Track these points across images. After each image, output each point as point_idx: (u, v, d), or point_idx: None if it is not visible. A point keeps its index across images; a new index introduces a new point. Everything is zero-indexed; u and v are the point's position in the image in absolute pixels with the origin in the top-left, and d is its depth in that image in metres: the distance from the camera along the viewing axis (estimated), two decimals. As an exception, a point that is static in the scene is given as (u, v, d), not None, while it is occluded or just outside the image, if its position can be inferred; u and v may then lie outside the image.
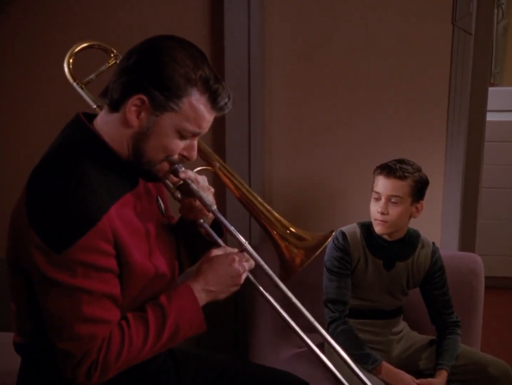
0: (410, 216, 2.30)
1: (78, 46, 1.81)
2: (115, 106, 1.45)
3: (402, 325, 2.46)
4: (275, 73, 2.72)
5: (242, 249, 1.58)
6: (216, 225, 1.68)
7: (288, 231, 1.61)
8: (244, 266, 1.54)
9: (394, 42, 2.65)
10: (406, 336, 2.45)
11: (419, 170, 2.27)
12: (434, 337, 2.41)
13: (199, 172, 1.65)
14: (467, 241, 2.91)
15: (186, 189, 1.60)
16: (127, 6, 2.74)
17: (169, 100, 1.41)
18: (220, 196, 2.02)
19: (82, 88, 1.79)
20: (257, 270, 1.58)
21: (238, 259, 1.53)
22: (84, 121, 1.48)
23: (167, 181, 1.65)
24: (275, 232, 1.62)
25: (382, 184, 2.25)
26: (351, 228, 2.37)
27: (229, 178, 1.69)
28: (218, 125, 2.40)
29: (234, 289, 1.56)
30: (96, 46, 1.84)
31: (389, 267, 2.33)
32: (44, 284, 1.38)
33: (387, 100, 2.70)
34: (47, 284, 1.38)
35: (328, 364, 1.64)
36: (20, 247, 1.42)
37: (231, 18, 2.60)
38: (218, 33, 2.65)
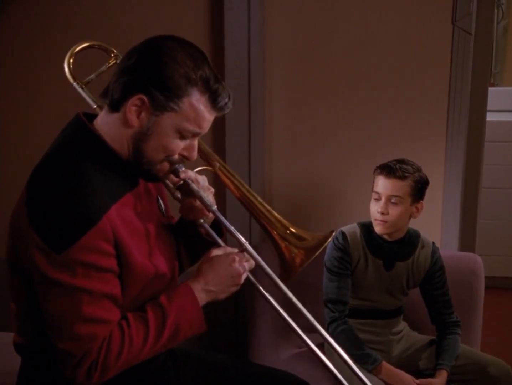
0: (410, 216, 2.30)
1: (78, 46, 1.81)
2: (115, 106, 1.45)
3: (402, 325, 2.46)
4: (275, 73, 2.73)
5: (242, 249, 1.58)
6: (216, 225, 1.68)
7: (288, 231, 1.61)
8: (244, 266, 1.54)
9: (394, 42, 2.65)
10: (406, 336, 2.45)
11: (419, 170, 2.27)
12: (434, 337, 2.41)
13: (199, 172, 1.65)
14: (467, 241, 2.91)
15: (186, 189, 1.60)
16: (127, 6, 2.74)
17: (169, 100, 1.41)
18: (220, 196, 2.02)
19: (82, 88, 1.79)
20: (257, 270, 1.58)
21: (238, 259, 1.53)
22: (84, 121, 1.48)
23: (167, 181, 1.65)
24: (275, 232, 1.62)
25: (382, 184, 2.25)
26: (351, 228, 2.37)
27: (229, 178, 1.69)
28: (218, 125, 2.40)
29: (234, 289, 1.56)
30: (96, 46, 1.84)
31: (389, 267, 2.33)
32: (44, 284, 1.38)
33: (387, 100, 2.70)
34: (47, 284, 1.38)
35: (328, 364, 1.64)
36: (20, 247, 1.42)
37: (231, 18, 2.60)
38: (218, 33, 2.65)
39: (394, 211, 2.24)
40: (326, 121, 2.76)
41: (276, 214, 1.64)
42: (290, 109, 2.76)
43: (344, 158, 2.77)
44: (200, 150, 1.63)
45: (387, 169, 2.24)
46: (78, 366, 1.40)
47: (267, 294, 1.61)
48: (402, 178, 2.22)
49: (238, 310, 2.86)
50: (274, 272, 1.59)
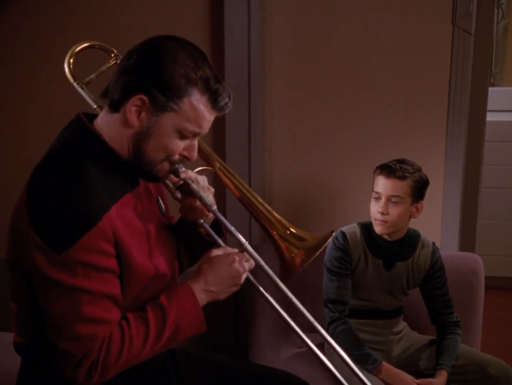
0: (410, 216, 2.30)
1: (78, 46, 1.81)
2: (115, 106, 1.45)
3: (402, 325, 2.46)
4: (275, 73, 2.73)
5: (242, 249, 1.58)
6: (216, 225, 1.68)
7: (288, 232, 1.61)
8: (244, 266, 1.54)
9: (394, 42, 2.65)
10: (406, 336, 2.45)
11: (419, 170, 2.27)
12: (434, 337, 2.41)
13: (199, 172, 1.65)
14: (467, 241, 2.91)
15: (186, 189, 1.60)
16: (127, 6, 2.74)
17: (169, 100, 1.41)
18: (220, 196, 2.02)
19: (82, 88, 1.79)
20: (257, 270, 1.58)
21: (238, 259, 1.53)
22: (84, 121, 1.48)
23: (168, 181, 1.65)
24: (275, 233, 1.62)
25: (382, 184, 2.25)
26: (351, 228, 2.37)
27: (229, 178, 1.69)
28: (218, 125, 2.40)
29: (234, 289, 1.56)
30: (96, 46, 1.84)
31: (389, 267, 2.33)
32: (44, 284, 1.38)
33: (387, 100, 2.70)
34: (48, 284, 1.38)
35: (328, 364, 1.64)
36: (20, 247, 1.42)
37: (231, 18, 2.60)
38: (218, 33, 2.65)
39: (394, 211, 2.24)
40: (326, 121, 2.76)
41: (276, 214, 1.64)
42: (290, 109, 2.76)
43: (344, 158, 2.77)
44: (200, 150, 1.63)
45: (387, 169, 2.24)
46: (78, 366, 1.40)
47: (267, 294, 1.61)
48: (402, 178, 2.22)
49: (238, 310, 2.86)
50: (274, 272, 1.59)
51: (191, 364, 1.79)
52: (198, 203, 1.61)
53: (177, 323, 1.48)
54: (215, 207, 1.59)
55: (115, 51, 1.83)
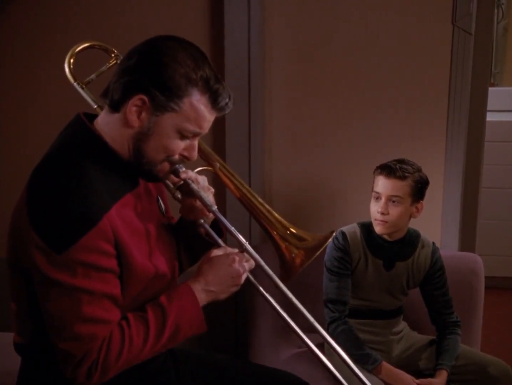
0: (410, 216, 2.30)
1: (79, 46, 1.81)
2: (115, 106, 1.45)
3: (402, 325, 2.46)
4: (275, 73, 2.72)
5: (242, 249, 1.58)
6: (216, 225, 1.68)
7: (288, 232, 1.61)
8: (244, 267, 1.54)
9: (394, 42, 2.65)
10: (406, 336, 2.45)
11: (419, 170, 2.27)
12: (434, 337, 2.41)
13: (199, 172, 1.65)
14: (467, 241, 2.91)
15: (186, 189, 1.60)
16: (127, 6, 2.74)
17: (169, 100, 1.41)
18: (220, 196, 2.02)
19: (82, 88, 1.79)
20: (257, 270, 1.58)
21: (238, 260, 1.53)
22: (84, 121, 1.48)
23: (168, 182, 1.65)
24: (275, 233, 1.62)
25: (382, 184, 2.25)
26: (351, 228, 2.37)
27: (229, 179, 1.69)
28: (218, 125, 2.40)
29: (234, 289, 1.56)
30: (96, 46, 1.84)
31: (389, 267, 2.33)
32: (44, 284, 1.38)
33: (387, 100, 2.70)
34: (48, 284, 1.38)
35: (328, 364, 1.64)
36: (20, 247, 1.42)
37: (231, 18, 2.60)
38: (218, 33, 2.65)
39: (394, 211, 2.24)
40: (326, 121, 2.76)
41: (277, 215, 1.64)
42: (290, 109, 2.76)
43: (344, 158, 2.77)
44: (200, 150, 1.63)
45: (387, 169, 2.24)
46: (78, 366, 1.40)
47: (267, 294, 1.61)
48: (402, 178, 2.22)
49: (238, 310, 2.86)
50: (274, 272, 1.59)
51: (191, 364, 1.79)
52: (198, 203, 1.61)
53: (177, 323, 1.48)
54: (215, 207, 1.59)
55: (115, 51, 1.83)
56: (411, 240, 2.35)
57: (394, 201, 2.23)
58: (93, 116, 1.53)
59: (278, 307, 1.61)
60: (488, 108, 3.00)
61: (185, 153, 1.50)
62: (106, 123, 1.48)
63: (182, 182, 1.60)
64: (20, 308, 1.53)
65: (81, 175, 1.40)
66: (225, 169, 1.70)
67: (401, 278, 2.35)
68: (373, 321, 2.38)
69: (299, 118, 2.77)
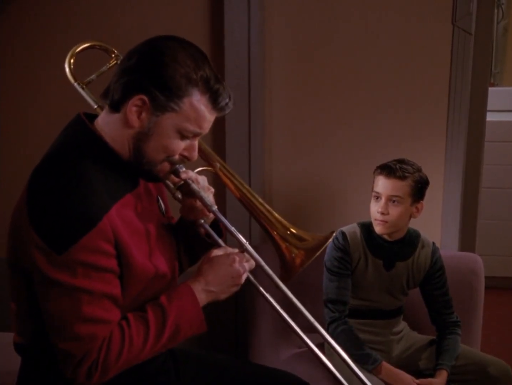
0: (410, 216, 2.30)
1: (79, 47, 1.81)
2: (116, 106, 1.45)
3: (402, 325, 2.46)
4: (275, 73, 2.73)
5: (243, 249, 1.58)
6: (216, 225, 1.68)
7: (288, 232, 1.61)
8: (244, 267, 1.54)
9: (394, 42, 2.65)
10: (406, 336, 2.45)
11: (419, 170, 2.27)
12: (434, 337, 2.41)
13: (199, 173, 1.65)
14: (467, 241, 2.91)
15: (187, 190, 1.60)
16: (127, 6, 2.74)
17: (170, 100, 1.41)
18: (220, 196, 2.02)
19: (83, 89, 1.79)
20: (257, 270, 1.58)
21: (238, 260, 1.53)
22: (85, 121, 1.48)
23: (168, 182, 1.65)
24: (275, 233, 1.62)
25: (382, 184, 2.25)
26: (351, 228, 2.37)
27: (229, 179, 1.69)
28: (218, 125, 2.40)
29: (235, 289, 1.56)
30: (97, 47, 1.84)
31: (389, 267, 2.34)
32: (44, 284, 1.38)
33: (387, 100, 2.70)
34: (48, 284, 1.37)
35: (328, 364, 1.64)
36: (20, 247, 1.42)
37: (231, 18, 2.60)
38: (218, 33, 2.65)
39: (394, 211, 2.24)
40: (326, 121, 2.76)
41: (277, 215, 1.64)
42: (290, 109, 2.76)
43: (344, 158, 2.77)
44: (200, 150, 1.63)
45: (387, 169, 2.24)
46: (78, 366, 1.40)
47: (267, 294, 1.61)
48: (402, 178, 2.22)
49: (238, 310, 2.86)
50: (274, 272, 1.59)
51: (191, 364, 1.80)
52: (198, 203, 1.61)
53: (177, 323, 1.48)
54: (215, 207, 1.59)
55: (115, 51, 1.83)
56: (411, 240, 2.35)
57: (394, 201, 2.24)
58: (93, 116, 1.53)
59: (278, 307, 1.61)
60: (488, 108, 3.00)
61: (185, 153, 1.50)
62: (106, 123, 1.48)
63: (182, 182, 1.60)
64: (20, 308, 1.53)
65: (81, 175, 1.40)
66: (225, 169, 1.71)
67: (401, 278, 2.35)
68: (373, 321, 2.38)
69: (299, 118, 2.77)
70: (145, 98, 1.41)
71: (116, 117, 1.46)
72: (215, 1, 2.66)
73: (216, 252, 1.56)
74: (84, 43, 1.82)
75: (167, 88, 1.40)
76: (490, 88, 3.06)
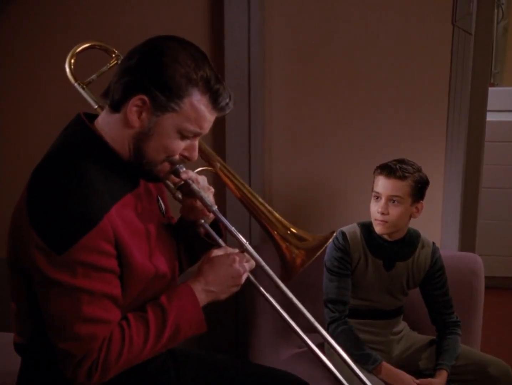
0: (410, 216, 2.30)
1: (79, 47, 1.81)
2: (116, 106, 1.45)
3: (402, 325, 2.46)
4: (275, 73, 2.73)
5: (243, 249, 1.58)
6: (215, 225, 1.68)
7: (289, 232, 1.61)
8: (244, 267, 1.54)
9: (394, 42, 2.65)
10: (406, 336, 2.45)
11: (419, 170, 2.27)
12: (434, 337, 2.41)
13: (199, 173, 1.65)
14: (467, 241, 2.91)
15: (187, 190, 1.60)
16: (127, 6, 2.74)
17: (170, 100, 1.41)
18: (220, 196, 2.02)
19: (83, 89, 1.79)
20: (257, 270, 1.58)
21: (238, 260, 1.53)
22: (85, 121, 1.48)
23: (168, 182, 1.65)
24: (276, 233, 1.62)
25: (382, 184, 2.25)
26: (351, 228, 2.37)
27: (230, 179, 1.69)
28: (218, 125, 2.39)
29: (235, 289, 1.56)
30: (97, 47, 1.85)
31: (389, 267, 2.34)
32: (44, 284, 1.38)
33: (387, 100, 2.70)
34: (48, 284, 1.37)
35: (328, 364, 1.64)
36: (20, 247, 1.42)
37: (231, 18, 2.60)
38: (218, 33, 2.65)
39: (394, 211, 2.24)
40: (326, 121, 2.76)
41: (277, 215, 1.64)
42: (290, 109, 2.76)
43: (344, 158, 2.77)
44: (201, 150, 1.63)
45: (387, 169, 2.24)
46: (78, 366, 1.40)
47: (267, 295, 1.61)
48: (402, 178, 2.22)
49: (238, 310, 2.86)
50: (275, 272, 1.59)
51: (191, 364, 1.80)
52: (198, 203, 1.61)
53: (177, 323, 1.48)
54: (215, 208, 1.59)
55: (116, 51, 1.83)
56: (411, 240, 2.35)
57: (394, 201, 2.24)
58: (93, 116, 1.53)
59: (278, 307, 1.61)
60: (488, 108, 3.01)
61: (186, 153, 1.50)
62: (106, 123, 1.48)
63: (182, 182, 1.60)
64: (20, 308, 1.53)
65: (81, 175, 1.40)
66: (226, 170, 1.70)
67: (401, 278, 2.35)
68: (373, 321, 2.38)
69: (299, 118, 2.77)
70: (146, 98, 1.41)
71: (116, 117, 1.46)
72: (215, 1, 2.66)
73: (216, 252, 1.56)
74: (85, 43, 1.83)
75: (168, 88, 1.40)
76: (490, 88, 3.07)
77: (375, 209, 2.27)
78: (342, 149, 2.76)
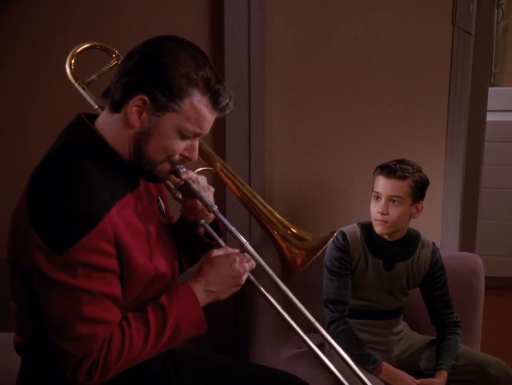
0: (410, 217, 2.30)
1: (80, 47, 1.82)
2: (116, 106, 1.45)
3: (402, 325, 2.46)
4: (275, 73, 2.73)
5: (243, 249, 1.58)
6: (215, 225, 1.68)
7: (289, 232, 1.61)
8: (245, 267, 1.54)
9: (394, 42, 2.65)
10: (406, 336, 2.45)
11: (419, 170, 2.27)
12: (434, 337, 2.41)
13: (200, 173, 1.65)
14: (467, 241, 2.91)
15: (187, 190, 1.60)
16: (127, 6, 2.74)
17: (170, 100, 1.41)
18: (220, 196, 2.01)
19: (84, 89, 1.79)
20: (257, 270, 1.58)
21: (239, 260, 1.53)
22: (85, 121, 1.48)
23: (168, 182, 1.65)
24: (276, 233, 1.62)
25: (382, 184, 2.25)
26: (351, 228, 2.37)
27: (230, 179, 1.70)
28: (218, 125, 2.39)
29: (235, 289, 1.56)
30: (97, 47, 1.85)
31: (389, 267, 2.34)
32: (44, 284, 1.38)
33: (387, 100, 2.70)
34: (48, 284, 1.37)
35: (328, 365, 1.64)
36: (21, 247, 1.42)
37: (231, 18, 2.60)
38: (218, 33, 2.65)
39: (394, 211, 2.24)
40: (326, 121, 2.76)
41: (278, 215, 1.64)
42: (290, 109, 2.76)
43: (344, 158, 2.77)
44: (201, 150, 1.63)
45: (387, 169, 2.24)
46: (78, 366, 1.40)
47: (267, 295, 1.61)
48: (402, 178, 2.22)
49: (238, 310, 2.86)
50: (275, 272, 1.59)
51: (191, 364, 1.80)
52: (199, 203, 1.61)
53: (177, 324, 1.48)
54: (216, 208, 1.59)
55: (116, 51, 1.83)
56: (411, 240, 2.35)
57: (394, 201, 2.24)
58: (93, 116, 1.53)
59: (279, 307, 1.61)
60: (488, 108, 3.01)
61: (186, 154, 1.50)
62: (106, 123, 1.48)
63: (182, 182, 1.59)
64: (20, 308, 1.53)
65: (81, 175, 1.40)
66: (226, 170, 1.71)
67: (401, 278, 2.35)
68: (373, 321, 2.38)
69: (299, 118, 2.77)
70: (146, 98, 1.41)
71: (116, 117, 1.46)
72: (215, 1, 2.66)
73: (217, 252, 1.56)
74: (85, 44, 1.83)
75: (168, 88, 1.40)
76: (490, 88, 3.07)
77: (375, 209, 2.27)
78: (342, 149, 2.76)
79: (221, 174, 1.70)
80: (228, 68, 2.63)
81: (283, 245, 1.60)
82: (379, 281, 2.34)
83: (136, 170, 1.50)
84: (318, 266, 2.29)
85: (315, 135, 2.77)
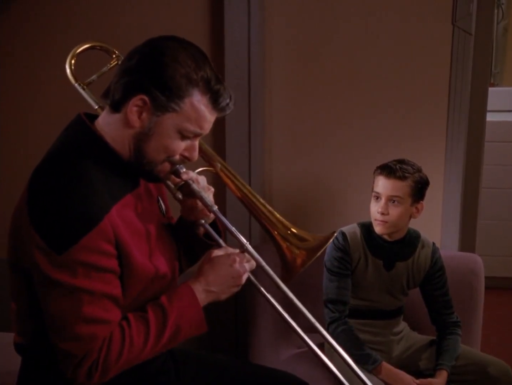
0: (410, 217, 2.30)
1: (80, 47, 1.82)
2: (116, 106, 1.45)
3: (402, 325, 2.46)
4: (275, 73, 2.73)
5: (243, 249, 1.58)
6: (214, 225, 1.68)
7: (289, 232, 1.61)
8: (245, 267, 1.54)
9: (394, 42, 2.65)
10: (406, 336, 2.45)
11: (419, 170, 2.27)
12: (434, 338, 2.41)
13: (200, 173, 1.65)
14: (467, 241, 2.91)
15: (187, 190, 1.60)
16: (127, 6, 2.74)
17: (170, 100, 1.41)
18: (220, 196, 2.01)
19: (84, 89, 1.79)
20: (258, 270, 1.58)
21: (239, 260, 1.53)
22: (85, 121, 1.48)
23: (169, 182, 1.65)
24: (276, 233, 1.62)
25: (382, 185, 2.25)
26: (351, 228, 2.37)
27: (230, 179, 1.70)
28: (218, 125, 2.39)
29: (235, 289, 1.56)
30: (98, 47, 1.85)
31: (389, 267, 2.34)
32: (44, 284, 1.38)
33: (387, 100, 2.70)
34: (48, 284, 1.37)
35: (328, 365, 1.64)
36: (21, 247, 1.42)
37: (231, 18, 2.60)
38: (218, 33, 2.65)
39: (394, 212, 2.24)
40: (326, 121, 2.76)
41: (278, 215, 1.64)
42: (290, 109, 2.76)
43: (344, 158, 2.77)
44: (201, 150, 1.63)
45: (387, 169, 2.24)
46: (78, 366, 1.40)
47: (268, 295, 1.61)
48: (402, 178, 2.22)
49: (238, 310, 2.86)
50: (275, 272, 1.59)
51: (191, 364, 1.80)
52: (199, 203, 1.61)
53: (177, 324, 1.48)
54: (216, 208, 1.59)
55: (116, 52, 1.83)
56: (411, 240, 2.35)
57: (394, 201, 2.24)
58: (93, 117, 1.53)
59: (279, 307, 1.61)
60: (488, 108, 3.01)
61: (186, 154, 1.50)
62: (106, 124, 1.48)
63: (183, 182, 1.60)
64: (20, 308, 1.53)
65: (81, 175, 1.40)
66: (226, 170, 1.71)
67: (401, 278, 2.35)
68: (373, 321, 2.38)
69: (299, 118, 2.77)
70: (146, 98, 1.41)
71: (116, 117, 1.46)
72: (215, 1, 2.66)
73: (217, 252, 1.56)
74: (85, 44, 1.83)
75: (168, 88, 1.40)
76: (490, 88, 3.07)
77: (375, 209, 2.27)
78: (342, 149, 2.77)
79: (221, 174, 1.70)
80: (228, 68, 2.63)
81: (283, 245, 1.60)
82: (379, 281, 2.34)
83: (136, 170, 1.50)
84: (318, 266, 2.29)
85: (315, 135, 2.77)
